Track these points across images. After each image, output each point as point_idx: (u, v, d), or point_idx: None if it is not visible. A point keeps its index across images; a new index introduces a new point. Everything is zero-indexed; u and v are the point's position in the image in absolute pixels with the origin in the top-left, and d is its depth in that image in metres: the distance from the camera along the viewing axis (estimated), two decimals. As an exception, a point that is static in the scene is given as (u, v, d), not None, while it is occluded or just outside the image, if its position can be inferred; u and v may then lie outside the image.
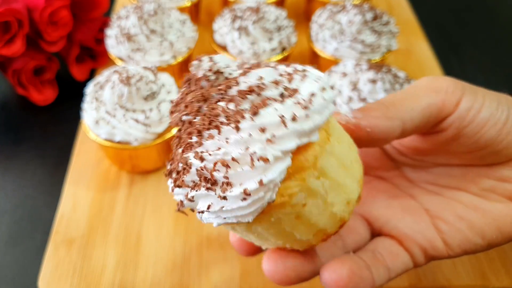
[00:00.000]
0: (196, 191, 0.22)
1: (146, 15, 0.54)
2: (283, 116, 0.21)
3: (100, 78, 0.48)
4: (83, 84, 0.52)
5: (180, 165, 0.23)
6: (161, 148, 0.48)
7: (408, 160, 0.34)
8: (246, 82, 0.23)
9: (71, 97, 0.61)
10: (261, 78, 0.23)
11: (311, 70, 0.24)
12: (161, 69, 0.54)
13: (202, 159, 0.22)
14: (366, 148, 0.34)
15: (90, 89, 0.47)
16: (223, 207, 0.22)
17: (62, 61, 0.63)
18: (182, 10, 0.65)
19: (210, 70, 0.24)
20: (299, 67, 0.25)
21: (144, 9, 0.54)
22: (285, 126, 0.21)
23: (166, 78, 0.50)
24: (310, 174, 0.22)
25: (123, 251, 0.43)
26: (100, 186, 0.49)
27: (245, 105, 0.22)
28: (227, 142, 0.21)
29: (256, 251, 0.30)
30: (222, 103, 0.22)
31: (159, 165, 0.50)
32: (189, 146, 0.23)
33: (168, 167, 0.25)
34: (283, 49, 0.58)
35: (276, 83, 0.23)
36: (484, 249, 0.30)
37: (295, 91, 0.22)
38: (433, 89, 0.29)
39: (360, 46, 0.55)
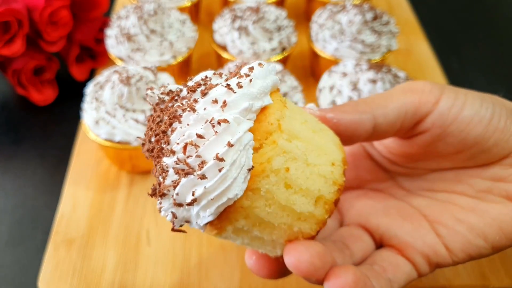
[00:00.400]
0: (179, 188, 0.23)
1: (146, 15, 0.54)
2: (229, 85, 0.23)
3: (100, 78, 0.48)
4: (83, 84, 0.52)
5: (160, 177, 0.24)
6: (161, 148, 0.48)
7: (401, 169, 0.34)
8: (192, 81, 0.26)
9: (71, 97, 0.61)
10: (205, 76, 0.26)
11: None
12: (161, 69, 0.54)
13: (173, 151, 0.23)
14: (358, 162, 0.34)
15: (90, 89, 0.47)
16: (205, 187, 0.22)
17: (62, 61, 0.63)
18: (182, 10, 0.65)
19: (162, 93, 0.26)
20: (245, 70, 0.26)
21: (144, 9, 0.54)
22: (234, 92, 0.23)
23: (166, 78, 0.50)
24: (279, 136, 0.24)
25: (123, 251, 0.43)
26: (100, 186, 0.49)
27: (196, 95, 0.24)
28: (188, 125, 0.23)
29: (277, 272, 0.29)
30: (176, 103, 0.25)
31: (159, 165, 0.50)
32: (160, 151, 0.24)
33: (150, 193, 0.25)
34: (283, 49, 0.58)
35: (220, 74, 0.26)
36: (489, 252, 0.29)
37: (237, 73, 0.25)
38: (408, 90, 0.30)
39: (360, 46, 0.55)
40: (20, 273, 0.44)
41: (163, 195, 0.24)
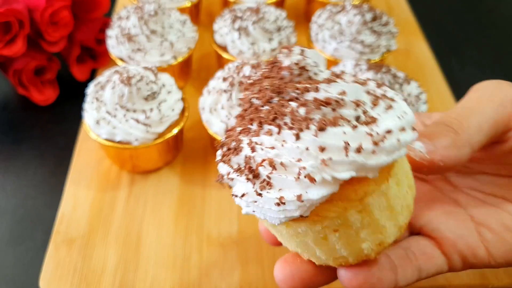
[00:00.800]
0: (237, 175, 0.22)
1: (146, 16, 0.54)
2: (348, 143, 0.20)
3: (101, 78, 0.48)
4: (84, 84, 0.52)
5: (233, 143, 0.22)
6: (161, 148, 0.48)
7: None
8: (326, 91, 0.21)
9: (72, 97, 0.62)
10: (343, 93, 0.21)
11: (400, 102, 0.23)
12: (161, 69, 0.55)
13: (253, 149, 0.21)
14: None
15: (91, 89, 0.47)
16: (256, 201, 0.21)
17: (63, 61, 0.64)
18: (182, 10, 0.66)
19: (296, 64, 0.23)
20: (390, 93, 0.23)
21: (145, 10, 0.54)
22: (346, 154, 0.20)
23: (167, 78, 0.50)
24: (353, 206, 0.21)
25: (124, 251, 0.43)
26: (101, 186, 0.49)
27: (316, 115, 0.20)
28: (282, 145, 0.20)
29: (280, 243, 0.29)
30: (293, 104, 0.21)
31: (159, 164, 0.51)
32: (247, 131, 0.22)
33: (223, 139, 0.24)
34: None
35: (357, 104, 0.21)
36: None
37: (373, 120, 0.21)
38: (499, 102, 0.27)
39: (359, 46, 0.55)
40: (21, 272, 0.44)
41: (224, 162, 0.23)
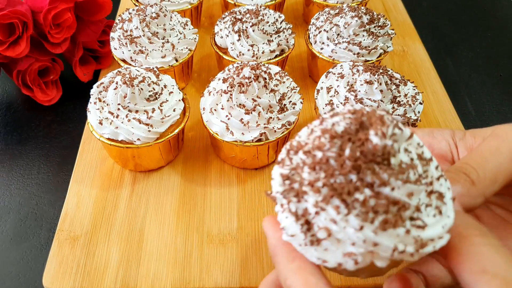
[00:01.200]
0: (292, 218, 0.23)
1: (148, 18, 0.55)
2: (397, 247, 0.22)
3: (103, 79, 0.49)
4: (87, 85, 0.53)
5: (296, 185, 0.23)
6: (163, 147, 0.49)
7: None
8: (398, 190, 0.22)
9: (75, 97, 0.63)
10: (411, 194, 0.22)
11: (448, 203, 0.24)
12: (163, 70, 0.56)
13: (317, 213, 0.22)
14: None
15: (94, 90, 0.48)
16: (300, 245, 0.23)
17: (66, 62, 0.65)
18: (183, 13, 0.67)
19: (384, 147, 0.23)
20: (444, 186, 0.24)
21: (147, 12, 0.55)
22: (392, 255, 0.22)
23: (168, 79, 0.51)
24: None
25: (126, 248, 0.44)
26: (104, 185, 0.50)
27: (382, 210, 0.22)
28: (345, 227, 0.22)
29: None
30: (368, 192, 0.22)
31: (161, 164, 0.51)
32: (316, 189, 0.23)
33: (286, 159, 0.25)
34: (282, 51, 0.59)
35: (418, 208, 0.23)
36: None
37: (423, 226, 0.23)
38: None
39: (357, 48, 0.56)
40: (24, 270, 0.45)
41: (285, 198, 0.24)
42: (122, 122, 0.45)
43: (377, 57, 0.57)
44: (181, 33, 0.58)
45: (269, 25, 0.57)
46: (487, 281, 0.21)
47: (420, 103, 0.48)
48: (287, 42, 0.59)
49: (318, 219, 0.23)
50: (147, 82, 0.47)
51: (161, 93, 0.48)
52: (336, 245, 0.23)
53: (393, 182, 0.22)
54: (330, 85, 0.51)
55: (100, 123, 0.46)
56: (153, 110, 0.47)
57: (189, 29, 0.60)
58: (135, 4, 0.67)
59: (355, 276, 0.27)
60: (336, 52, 0.57)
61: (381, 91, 0.46)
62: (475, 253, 0.23)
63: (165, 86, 0.49)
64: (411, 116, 0.47)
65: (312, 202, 0.23)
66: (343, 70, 0.51)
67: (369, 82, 0.47)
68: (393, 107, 0.47)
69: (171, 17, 0.58)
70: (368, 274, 0.26)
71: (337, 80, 0.50)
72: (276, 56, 0.58)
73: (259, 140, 0.47)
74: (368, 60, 0.57)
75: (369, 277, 0.27)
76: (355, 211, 0.22)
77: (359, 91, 0.48)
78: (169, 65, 0.56)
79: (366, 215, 0.22)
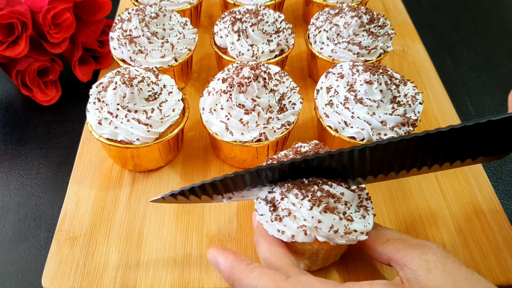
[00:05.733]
0: (264, 204, 0.37)
1: (147, 18, 0.55)
2: (333, 226, 0.34)
3: (103, 79, 0.49)
4: (87, 85, 0.53)
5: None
6: (162, 147, 0.49)
7: None
8: (334, 189, 0.36)
9: (74, 97, 0.63)
10: (342, 194, 0.36)
11: (370, 215, 0.38)
12: (162, 70, 0.55)
13: (282, 198, 0.36)
14: None
15: (93, 90, 0.48)
16: (267, 222, 0.36)
17: (66, 62, 0.64)
18: (182, 13, 0.67)
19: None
20: (369, 206, 0.38)
21: (146, 12, 0.55)
22: (329, 231, 0.34)
23: (167, 79, 0.51)
24: (312, 250, 0.37)
25: (125, 249, 0.44)
26: (103, 185, 0.50)
27: (324, 199, 0.35)
28: (300, 207, 0.35)
29: None
30: (316, 187, 0.35)
31: (160, 164, 0.51)
32: (282, 185, 0.37)
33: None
34: (282, 51, 0.59)
35: (346, 204, 0.36)
36: None
37: (351, 220, 0.36)
38: None
39: (356, 47, 0.56)
40: (24, 270, 0.45)
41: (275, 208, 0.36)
42: (121, 122, 0.45)
43: (377, 57, 0.57)
44: (180, 33, 0.58)
45: (268, 25, 0.57)
46: (391, 244, 0.35)
47: (420, 103, 0.48)
48: (287, 42, 0.59)
49: (282, 203, 0.36)
50: (147, 82, 0.47)
51: (161, 93, 0.48)
52: (293, 221, 0.35)
53: (332, 184, 0.36)
54: (330, 85, 0.51)
55: (99, 123, 0.46)
56: (153, 110, 0.47)
57: (189, 29, 0.60)
58: (134, 4, 0.67)
59: (308, 265, 0.39)
60: (336, 52, 0.57)
61: (381, 91, 0.46)
62: (379, 234, 0.36)
63: (164, 86, 0.49)
64: (411, 116, 0.47)
65: (279, 192, 0.36)
66: (343, 70, 0.51)
67: (369, 82, 0.47)
68: (393, 107, 0.47)
69: (170, 17, 0.58)
70: (313, 261, 0.39)
71: (337, 80, 0.50)
72: (275, 56, 0.58)
73: (259, 140, 0.47)
74: (368, 60, 0.57)
75: (316, 268, 0.39)
76: (307, 197, 0.35)
77: (359, 91, 0.47)
78: (169, 65, 0.56)
79: (315, 201, 0.34)
